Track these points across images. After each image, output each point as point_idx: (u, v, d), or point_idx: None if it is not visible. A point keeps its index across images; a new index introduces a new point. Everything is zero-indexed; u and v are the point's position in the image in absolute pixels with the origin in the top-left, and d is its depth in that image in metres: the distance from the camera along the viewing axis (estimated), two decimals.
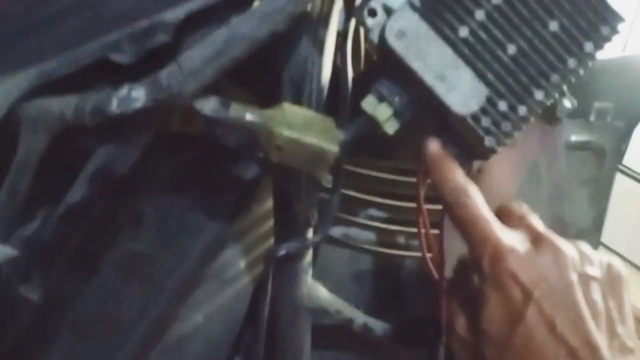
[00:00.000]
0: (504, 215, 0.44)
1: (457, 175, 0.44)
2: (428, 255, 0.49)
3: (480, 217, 0.42)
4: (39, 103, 0.42)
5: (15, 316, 0.46)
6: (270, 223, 0.66)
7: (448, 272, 0.48)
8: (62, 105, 0.42)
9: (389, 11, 0.46)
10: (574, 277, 0.39)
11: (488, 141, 0.44)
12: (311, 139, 0.42)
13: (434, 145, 0.45)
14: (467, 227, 0.42)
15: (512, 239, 0.41)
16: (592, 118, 0.58)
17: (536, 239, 0.41)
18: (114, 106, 0.41)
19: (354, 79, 0.50)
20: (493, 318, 0.39)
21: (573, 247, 0.41)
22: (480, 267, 0.41)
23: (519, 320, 0.38)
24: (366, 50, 0.61)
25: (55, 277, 0.47)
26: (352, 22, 0.50)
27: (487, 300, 0.40)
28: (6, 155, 0.44)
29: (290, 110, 0.44)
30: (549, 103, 0.44)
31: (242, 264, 0.64)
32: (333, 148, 0.43)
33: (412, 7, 0.44)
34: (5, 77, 0.42)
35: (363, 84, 0.50)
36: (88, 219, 0.46)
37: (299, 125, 0.43)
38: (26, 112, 0.43)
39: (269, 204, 0.64)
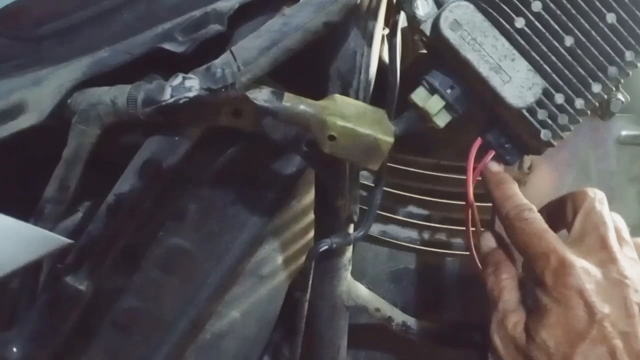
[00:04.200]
0: (586, 212, 0.42)
1: (519, 193, 0.44)
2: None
3: (544, 231, 0.41)
4: (91, 92, 0.42)
5: (65, 308, 0.45)
6: (307, 219, 0.65)
7: None
8: (114, 94, 0.42)
9: (439, 3, 0.45)
10: (635, 308, 0.38)
11: (544, 135, 0.43)
12: (366, 130, 0.42)
13: (496, 167, 0.46)
14: (531, 240, 0.41)
15: (577, 254, 0.40)
16: None
17: (604, 257, 0.40)
18: (167, 95, 0.41)
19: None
20: (554, 332, 0.38)
21: (636, 271, 0.40)
22: (542, 279, 0.39)
23: (582, 340, 0.37)
24: (406, 44, 0.60)
25: (103, 271, 0.46)
26: (401, 16, 0.49)
27: (548, 312, 0.39)
28: (57, 147, 0.44)
29: (343, 101, 0.44)
30: (606, 96, 0.43)
31: (279, 260, 0.64)
32: (388, 139, 0.43)
33: None
34: (59, 67, 0.42)
35: (408, 79, 0.50)
36: (137, 215, 0.46)
37: (352, 115, 0.42)
38: (78, 103, 0.42)
39: (306, 200, 0.64)
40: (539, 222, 0.42)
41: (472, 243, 0.48)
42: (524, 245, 0.41)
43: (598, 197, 0.43)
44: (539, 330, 0.38)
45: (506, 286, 0.42)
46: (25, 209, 0.44)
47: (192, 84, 0.41)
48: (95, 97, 0.42)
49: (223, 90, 0.41)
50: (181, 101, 0.41)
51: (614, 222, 0.42)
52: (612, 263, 0.39)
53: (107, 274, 0.50)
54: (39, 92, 0.42)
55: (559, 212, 0.45)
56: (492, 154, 0.46)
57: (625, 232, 0.43)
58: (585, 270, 0.38)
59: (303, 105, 0.42)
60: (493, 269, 0.44)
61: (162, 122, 0.44)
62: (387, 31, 0.51)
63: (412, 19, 0.45)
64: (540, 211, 0.44)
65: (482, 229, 0.47)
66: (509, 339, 0.40)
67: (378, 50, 0.50)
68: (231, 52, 0.41)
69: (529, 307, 0.41)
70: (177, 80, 0.41)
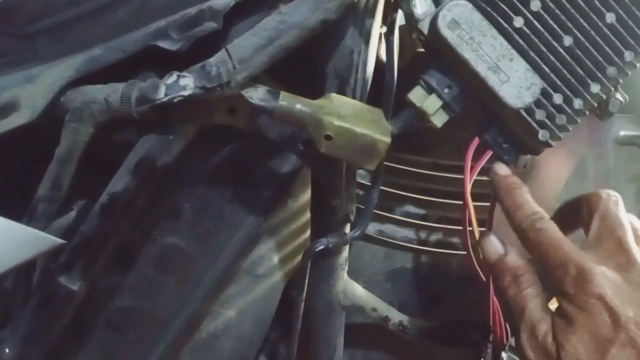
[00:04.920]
0: (602, 218, 0.42)
1: (529, 200, 0.43)
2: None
3: (560, 239, 0.41)
4: (85, 90, 0.42)
5: (57, 308, 0.45)
6: (304, 218, 0.65)
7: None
8: (108, 92, 0.41)
9: (437, 1, 0.45)
10: None
11: (542, 135, 0.42)
12: (362, 129, 0.41)
13: (503, 169, 0.45)
14: (548, 250, 0.41)
15: (596, 260, 0.39)
16: None
17: (623, 261, 0.40)
18: (162, 93, 0.40)
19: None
20: (582, 339, 0.38)
21: None
22: (563, 289, 0.39)
23: (610, 344, 0.37)
24: (404, 43, 0.60)
25: (96, 271, 0.46)
26: (399, 14, 0.49)
27: (574, 320, 0.39)
28: (50, 146, 0.43)
29: (339, 100, 0.43)
30: (604, 96, 0.43)
31: (275, 259, 0.63)
32: (385, 139, 0.42)
33: None
34: (52, 65, 0.42)
35: (405, 77, 0.49)
36: (131, 214, 0.45)
37: (349, 115, 0.42)
38: (71, 101, 0.42)
39: (303, 198, 0.63)
40: (554, 231, 0.41)
41: (470, 243, 0.48)
42: (540, 256, 0.41)
43: (612, 199, 0.43)
44: (568, 338, 0.38)
45: (529, 295, 0.42)
46: (17, 208, 0.43)
47: (186, 83, 0.40)
48: (88, 95, 0.42)
49: (218, 88, 0.41)
50: (176, 100, 0.40)
51: (630, 223, 0.42)
52: (631, 265, 0.39)
53: (102, 273, 0.50)
54: (31, 90, 0.41)
55: (574, 216, 0.44)
56: (489, 153, 0.46)
57: None
58: (604, 275, 0.38)
59: (299, 105, 0.42)
60: (511, 278, 0.42)
61: (156, 120, 0.43)
62: (384, 29, 0.51)
63: (410, 17, 0.45)
64: (554, 216, 0.44)
65: (481, 229, 0.47)
66: (541, 350, 0.40)
67: (375, 49, 0.50)
68: (226, 50, 0.41)
69: (553, 313, 0.41)
70: (171, 78, 0.41)
